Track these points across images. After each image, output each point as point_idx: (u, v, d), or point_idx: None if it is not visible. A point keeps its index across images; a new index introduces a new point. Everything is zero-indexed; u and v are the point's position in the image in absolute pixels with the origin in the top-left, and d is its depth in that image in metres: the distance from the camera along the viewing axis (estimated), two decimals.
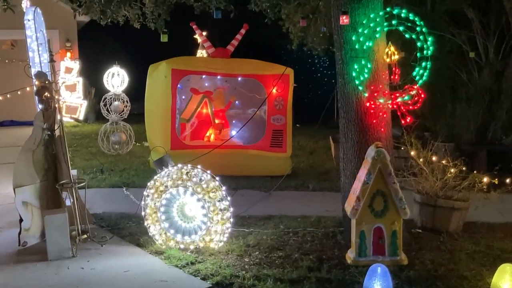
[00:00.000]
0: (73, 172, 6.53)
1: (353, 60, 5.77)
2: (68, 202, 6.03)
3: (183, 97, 10.15)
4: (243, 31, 10.24)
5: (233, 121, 10.34)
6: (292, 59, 18.82)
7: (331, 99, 10.87)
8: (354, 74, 5.78)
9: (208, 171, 5.76)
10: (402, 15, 5.63)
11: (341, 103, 6.02)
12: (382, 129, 5.84)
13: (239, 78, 9.89)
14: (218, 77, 9.96)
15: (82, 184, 6.06)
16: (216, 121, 10.15)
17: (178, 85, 9.29)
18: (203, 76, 10.04)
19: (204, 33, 10.83)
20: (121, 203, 7.50)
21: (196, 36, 14.55)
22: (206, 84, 10.29)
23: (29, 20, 11.01)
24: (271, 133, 9.50)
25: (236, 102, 10.50)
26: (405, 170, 6.81)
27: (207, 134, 10.05)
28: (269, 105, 9.41)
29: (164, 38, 8.23)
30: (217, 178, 5.74)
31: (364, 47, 5.71)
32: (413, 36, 5.65)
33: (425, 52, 5.65)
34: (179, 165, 5.82)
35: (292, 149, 9.77)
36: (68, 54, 16.74)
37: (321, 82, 20.79)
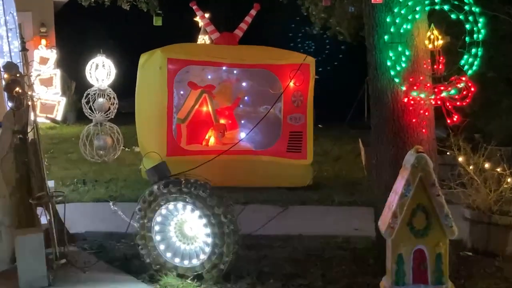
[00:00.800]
0: (50, 183, 6.56)
1: (387, 46, 5.75)
2: (44, 220, 6.05)
3: (182, 92, 10.18)
4: (253, 12, 10.27)
5: (242, 121, 10.36)
6: (313, 46, 18.86)
7: (360, 94, 10.81)
8: (389, 63, 5.75)
9: (212, 182, 5.76)
10: None
11: (373, 98, 6.00)
12: (424, 130, 5.82)
13: (249, 69, 9.91)
14: (224, 68, 9.99)
15: (60, 198, 6.07)
16: (222, 121, 10.17)
17: (176, 78, 9.32)
18: (206, 67, 10.06)
19: (207, 15, 10.90)
20: (108, 221, 7.52)
21: (197, 19, 14.62)
22: (209, 77, 10.33)
23: None
24: (288, 135, 9.50)
25: (246, 98, 10.52)
26: (452, 180, 6.76)
27: (206, 137, 10.06)
28: (285, 101, 9.41)
29: (157, 22, 8.29)
30: (223, 191, 5.73)
31: (401, 31, 5.69)
32: (461, 17, 5.62)
33: (475, 36, 5.61)
34: (177, 175, 5.83)
35: (314, 154, 9.77)
36: (43, 41, 16.89)
37: (348, 73, 20.74)
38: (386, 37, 5.76)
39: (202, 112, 10.15)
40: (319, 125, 14.93)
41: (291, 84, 9.23)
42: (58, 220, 6.17)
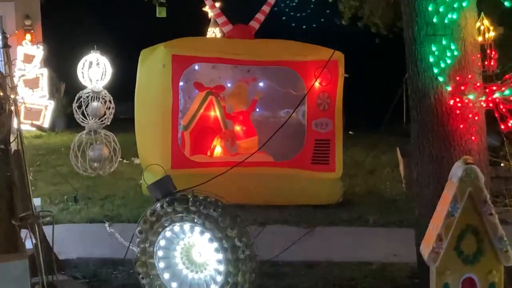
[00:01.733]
0: (36, 201, 6.59)
1: (430, 39, 5.74)
2: (29, 244, 6.07)
3: (189, 95, 10.21)
4: (271, 1, 10.28)
5: (259, 128, 10.36)
6: (341, 40, 18.82)
7: (398, 95, 10.81)
8: (431, 59, 5.74)
9: (225, 200, 5.76)
10: None
11: (413, 100, 5.99)
12: (473, 138, 5.79)
13: (267, 67, 9.92)
14: (237, 65, 10.00)
15: (48, 219, 6.10)
16: (237, 127, 10.17)
17: (182, 78, 9.35)
18: (216, 65, 10.09)
19: (218, 4, 10.93)
20: (103, 245, 7.54)
21: (206, 9, 14.68)
22: (220, 76, 10.34)
23: None
24: (313, 144, 9.49)
25: (263, 100, 10.52)
26: (507, 196, 6.73)
27: (212, 146, 10.06)
28: (309, 104, 9.41)
29: (161, 13, 8.34)
30: (238, 209, 5.73)
31: (446, 21, 5.68)
32: None
33: None
34: (184, 191, 5.83)
35: (344, 166, 9.75)
36: (28, 36, 17.00)
37: (384, 71, 20.70)
38: (428, 28, 5.75)
39: (209, 117, 10.16)
40: (350, 132, 14.94)
41: (317, 84, 9.23)
42: (46, 244, 6.20)
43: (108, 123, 11.71)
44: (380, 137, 12.94)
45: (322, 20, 19.97)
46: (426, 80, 5.84)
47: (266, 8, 10.26)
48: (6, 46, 6.34)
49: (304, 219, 8.73)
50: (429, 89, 5.82)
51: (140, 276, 5.90)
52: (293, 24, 22.15)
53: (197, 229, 5.70)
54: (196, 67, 10.13)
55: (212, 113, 10.16)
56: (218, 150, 10.05)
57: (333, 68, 9.29)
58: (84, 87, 11.59)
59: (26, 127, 11.23)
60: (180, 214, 5.72)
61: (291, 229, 8.35)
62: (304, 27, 21.51)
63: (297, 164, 9.50)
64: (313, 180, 9.40)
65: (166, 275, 5.83)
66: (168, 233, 5.81)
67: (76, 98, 11.65)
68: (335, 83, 9.40)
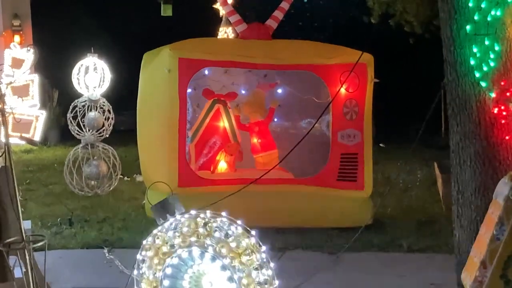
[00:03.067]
0: (26, 224, 6.62)
1: (471, 39, 5.75)
2: (18, 273, 6.10)
3: (198, 103, 10.23)
4: None
5: (278, 140, 10.37)
6: (371, 40, 18.85)
7: (435, 102, 10.76)
8: (472, 62, 5.74)
9: (240, 221, 5.77)
10: None
11: (452, 109, 5.99)
12: None
13: (286, 71, 9.93)
14: (253, 70, 10.02)
15: (39, 244, 6.13)
16: (254, 139, 10.17)
17: (190, 84, 9.38)
18: (229, 70, 10.11)
19: (230, 1, 10.96)
20: (101, 273, 7.56)
21: (218, 6, 14.74)
22: (233, 82, 10.36)
23: None
24: (339, 158, 9.48)
25: (282, 109, 10.53)
26: None
27: (216, 160, 10.05)
28: (334, 113, 9.41)
29: (166, 11, 8.40)
30: (253, 232, 5.74)
31: (489, 18, 5.69)
32: None
33: None
34: (192, 212, 5.85)
35: (374, 184, 9.75)
36: (17, 38, 17.09)
37: (418, 75, 20.71)
38: (468, 27, 5.76)
39: (218, 128, 10.15)
40: (381, 145, 14.94)
41: (343, 90, 9.23)
42: (37, 273, 6.22)
43: (107, 136, 11.77)
44: (415, 151, 12.89)
45: (349, 18, 19.96)
46: (466, 85, 5.84)
47: (285, 5, 10.23)
48: None
49: (328, 244, 8.72)
50: (470, 96, 5.82)
51: None
52: (316, 24, 22.18)
53: (208, 255, 5.70)
54: (206, 72, 10.16)
55: (221, 124, 10.13)
56: (222, 166, 10.03)
57: (361, 72, 9.29)
58: (80, 95, 11.64)
59: (14, 140, 11.33)
60: (188, 239, 5.74)
61: (314, 255, 8.34)
62: (328, 26, 21.54)
63: (320, 181, 9.49)
64: (339, 199, 9.38)
65: None
66: (175, 260, 5.81)
67: (71, 107, 11.70)
68: (364, 89, 9.39)
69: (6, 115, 6.37)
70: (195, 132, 10.02)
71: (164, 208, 6.04)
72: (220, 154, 10.06)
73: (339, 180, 9.48)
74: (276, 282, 5.76)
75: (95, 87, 11.53)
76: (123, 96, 12.50)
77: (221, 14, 15.09)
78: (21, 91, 15.57)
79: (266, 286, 5.70)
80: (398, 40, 20.03)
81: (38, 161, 15.09)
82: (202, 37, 11.07)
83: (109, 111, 11.65)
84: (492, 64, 5.71)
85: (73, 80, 11.63)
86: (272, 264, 5.76)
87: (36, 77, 15.77)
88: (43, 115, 15.87)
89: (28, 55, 15.61)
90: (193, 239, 5.72)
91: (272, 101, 10.42)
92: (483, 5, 5.69)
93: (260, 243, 5.75)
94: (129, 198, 11.31)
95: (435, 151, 13.36)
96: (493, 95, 5.73)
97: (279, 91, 10.62)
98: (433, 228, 9.48)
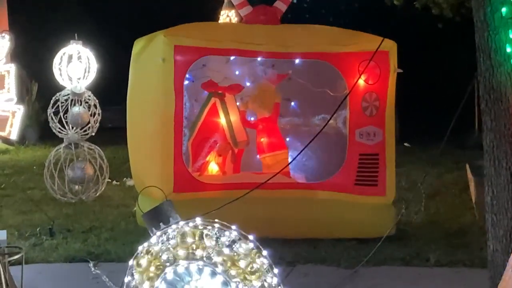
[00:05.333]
0: (1, 234, 6.63)
1: (507, 23, 5.74)
2: None
3: (196, 97, 10.23)
4: None
5: (287, 139, 10.37)
6: (394, 25, 18.84)
7: (466, 96, 10.76)
8: (509, 49, 5.73)
9: (244, 232, 5.78)
10: None
11: (485, 103, 5.98)
12: None
13: (297, 60, 9.93)
14: (259, 58, 10.02)
15: (16, 257, 6.13)
16: (262, 139, 10.15)
17: (187, 75, 9.38)
18: (231, 58, 10.11)
19: None
20: None
21: None
22: (237, 72, 10.35)
23: None
24: (357, 160, 9.49)
25: (292, 103, 10.53)
26: None
27: (207, 159, 10.04)
28: (352, 108, 9.41)
29: None
30: (260, 244, 5.74)
31: None
32: None
33: None
34: (189, 221, 5.85)
35: (397, 189, 9.75)
36: None
37: (448, 65, 20.72)
38: (504, 9, 5.75)
39: (217, 125, 10.13)
40: (405, 144, 14.93)
41: (361, 81, 9.23)
42: None
43: (93, 134, 11.78)
44: (444, 151, 12.89)
45: None
46: (502, 76, 5.82)
47: None
48: None
49: (344, 257, 8.72)
50: (506, 88, 5.81)
51: None
52: (330, 6, 22.10)
53: (207, 269, 5.71)
54: (206, 61, 10.15)
55: (221, 120, 10.11)
56: (213, 168, 10.02)
57: (382, 61, 9.29)
58: (62, 88, 11.67)
59: None
60: (185, 251, 5.74)
61: (328, 270, 8.35)
62: (344, 8, 21.50)
63: (336, 185, 9.49)
64: (357, 206, 9.39)
65: None
66: (169, 276, 5.81)
67: (52, 102, 11.72)
68: (385, 81, 9.38)
69: None
70: (191, 130, 9.99)
71: (157, 216, 6.04)
72: (211, 154, 10.06)
73: (357, 184, 9.48)
74: None
75: (79, 79, 11.55)
76: (111, 89, 12.49)
77: None
78: None
79: None
80: (425, 24, 19.99)
81: (14, 162, 15.14)
82: (201, 21, 11.08)
83: (95, 106, 11.67)
84: None
85: (54, 70, 11.64)
86: (281, 280, 5.77)
87: (12, 67, 15.77)
88: (20, 110, 15.85)
89: (3, 43, 15.65)
90: (190, 252, 5.73)
91: (280, 94, 10.41)
92: None
93: (267, 256, 5.76)
94: (118, 205, 11.34)
95: (467, 152, 13.37)
96: None
97: (287, 83, 10.58)
98: (464, 239, 9.48)
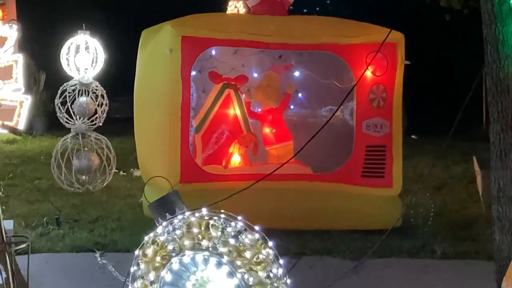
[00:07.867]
0: (8, 224, 6.64)
1: None
2: None
3: (203, 88, 10.22)
4: None
5: (294, 131, 10.36)
6: (401, 17, 18.81)
7: (473, 87, 10.72)
8: None
9: (250, 222, 5.78)
10: None
11: (492, 95, 5.97)
12: None
13: (304, 52, 9.92)
14: (266, 49, 10.02)
15: (23, 247, 6.15)
16: (266, 129, 10.15)
17: (194, 66, 9.37)
18: (238, 49, 10.10)
19: None
20: (92, 280, 7.58)
21: None
22: (244, 64, 10.35)
23: None
24: (363, 151, 9.49)
25: (299, 95, 10.52)
26: None
27: (228, 154, 10.03)
28: (359, 100, 9.42)
29: None
30: (266, 235, 5.75)
31: None
32: None
33: None
34: (196, 211, 5.86)
35: (404, 181, 9.75)
36: None
37: (455, 57, 20.67)
38: None
39: (227, 116, 10.12)
40: (412, 136, 14.92)
41: (369, 73, 9.22)
42: (19, 279, 6.24)
43: (100, 124, 11.78)
44: (451, 143, 12.86)
45: None
46: (509, 68, 5.82)
47: None
48: None
49: (351, 248, 8.74)
50: None
51: None
52: None
53: (213, 260, 5.71)
54: (213, 52, 10.15)
55: (231, 111, 10.10)
56: (236, 159, 10.01)
57: (390, 53, 9.29)
58: (70, 78, 11.66)
59: None
60: (190, 241, 5.75)
61: (334, 261, 8.36)
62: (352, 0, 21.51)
63: (343, 177, 9.50)
64: (363, 198, 9.40)
65: None
66: (175, 266, 5.81)
67: (59, 92, 11.72)
68: (393, 73, 9.38)
69: None
70: (202, 121, 9.97)
71: (164, 207, 6.05)
72: (233, 146, 10.03)
73: (364, 176, 9.48)
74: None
75: (86, 69, 11.54)
76: (118, 79, 12.48)
77: None
78: (3, 73, 15.58)
79: None
80: (433, 16, 19.96)
81: (22, 152, 15.14)
82: (209, 12, 11.08)
83: (102, 96, 11.66)
84: None
85: (62, 61, 11.64)
86: (287, 271, 5.77)
87: (20, 57, 15.74)
88: (28, 100, 15.82)
89: (11, 32, 15.63)
90: (196, 242, 5.73)
91: (289, 85, 10.38)
92: None
93: (273, 247, 5.76)
94: (125, 195, 11.34)
95: (474, 144, 13.34)
96: None
97: (296, 74, 10.58)
98: (470, 231, 9.49)
